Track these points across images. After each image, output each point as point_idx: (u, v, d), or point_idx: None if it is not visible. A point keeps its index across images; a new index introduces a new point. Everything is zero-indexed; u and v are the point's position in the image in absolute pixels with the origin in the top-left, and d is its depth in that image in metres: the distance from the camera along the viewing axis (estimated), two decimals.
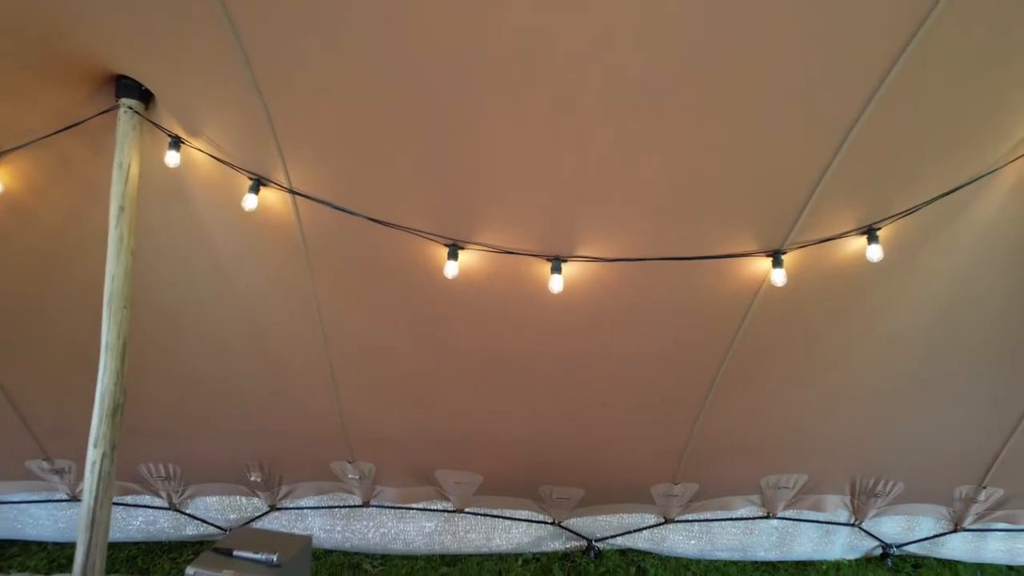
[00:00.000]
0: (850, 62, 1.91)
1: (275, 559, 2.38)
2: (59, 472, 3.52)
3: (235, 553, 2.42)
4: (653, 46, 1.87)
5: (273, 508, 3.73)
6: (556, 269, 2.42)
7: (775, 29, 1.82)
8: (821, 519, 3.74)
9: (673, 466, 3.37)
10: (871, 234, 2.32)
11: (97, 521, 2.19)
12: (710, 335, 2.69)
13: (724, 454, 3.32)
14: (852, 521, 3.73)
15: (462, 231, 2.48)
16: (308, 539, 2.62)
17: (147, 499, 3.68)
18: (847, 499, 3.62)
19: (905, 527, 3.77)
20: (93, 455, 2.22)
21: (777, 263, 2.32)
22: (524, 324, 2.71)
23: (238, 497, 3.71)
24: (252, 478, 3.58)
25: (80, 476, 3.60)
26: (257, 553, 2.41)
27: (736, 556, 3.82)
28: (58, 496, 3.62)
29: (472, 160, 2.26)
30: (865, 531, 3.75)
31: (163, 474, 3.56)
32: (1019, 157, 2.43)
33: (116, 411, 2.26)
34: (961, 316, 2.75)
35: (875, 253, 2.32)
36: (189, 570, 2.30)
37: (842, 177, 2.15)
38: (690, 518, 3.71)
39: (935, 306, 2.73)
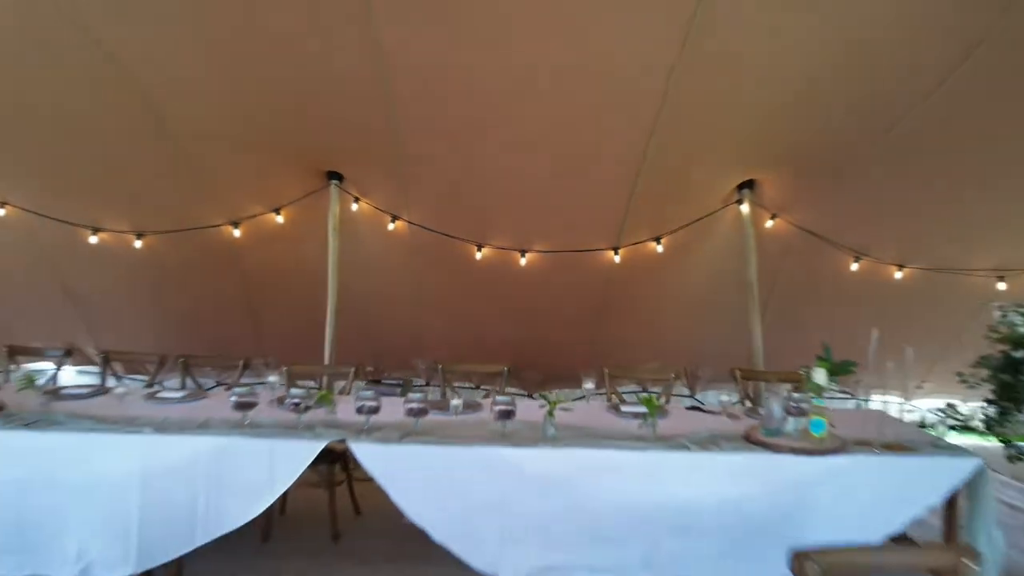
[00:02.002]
0: (623, 139, 4.50)
1: (401, 382, 5.12)
2: (267, 365, 6.25)
3: (382, 380, 5.16)
4: (546, 156, 4.61)
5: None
6: (523, 255, 5.19)
7: (590, 129, 4.54)
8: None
9: (589, 359, 6.11)
10: (657, 240, 5.08)
11: (329, 359, 4.94)
12: (592, 288, 5.45)
13: (615, 353, 6.06)
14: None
15: (482, 238, 5.23)
16: (411, 379, 5.37)
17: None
18: (684, 380, 6.34)
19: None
20: (328, 337, 4.96)
21: (616, 252, 5.08)
22: (508, 282, 5.46)
23: (359, 381, 6.46)
24: (368, 369, 6.33)
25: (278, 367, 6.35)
26: (392, 382, 5.16)
27: None
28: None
29: (486, 205, 5.00)
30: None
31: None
32: (728, 204, 5.16)
33: (335, 318, 4.99)
34: (712, 280, 5.49)
35: (659, 248, 5.07)
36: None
37: (637, 211, 4.87)
38: (603, 392, 6.45)
39: (699, 276, 5.48)
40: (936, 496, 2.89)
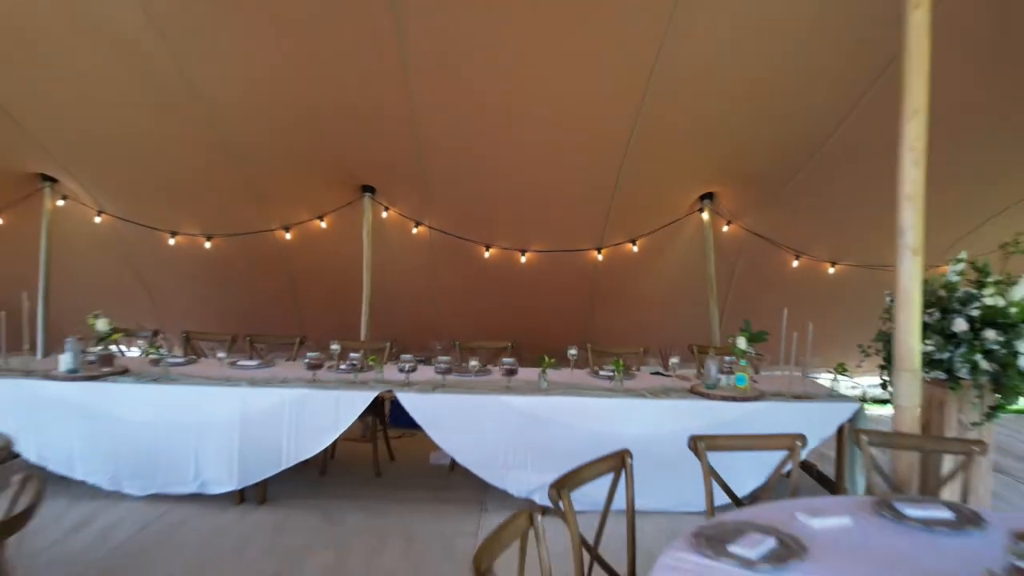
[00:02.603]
0: (603, 159, 5.41)
1: (422, 359, 5.98)
2: (307, 347, 7.14)
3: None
4: (542, 170, 5.49)
5: None
6: (523, 254, 6.07)
7: (573, 151, 5.43)
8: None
9: (579, 340, 6.99)
10: (633, 242, 5.96)
11: (365, 338, 5.81)
12: (580, 281, 6.33)
13: (601, 335, 6.93)
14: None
15: (489, 239, 6.11)
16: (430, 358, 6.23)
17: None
18: (659, 359, 7.22)
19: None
20: (363, 320, 5.84)
21: (599, 252, 5.96)
22: (511, 277, 6.34)
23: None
24: (394, 350, 7.20)
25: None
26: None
27: None
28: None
29: (493, 213, 5.88)
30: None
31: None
32: (692, 213, 6.03)
33: (369, 306, 5.87)
34: (679, 275, 6.37)
35: (635, 248, 5.95)
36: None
37: (616, 217, 5.75)
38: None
39: (674, 274, 6.36)
40: (829, 429, 3.77)
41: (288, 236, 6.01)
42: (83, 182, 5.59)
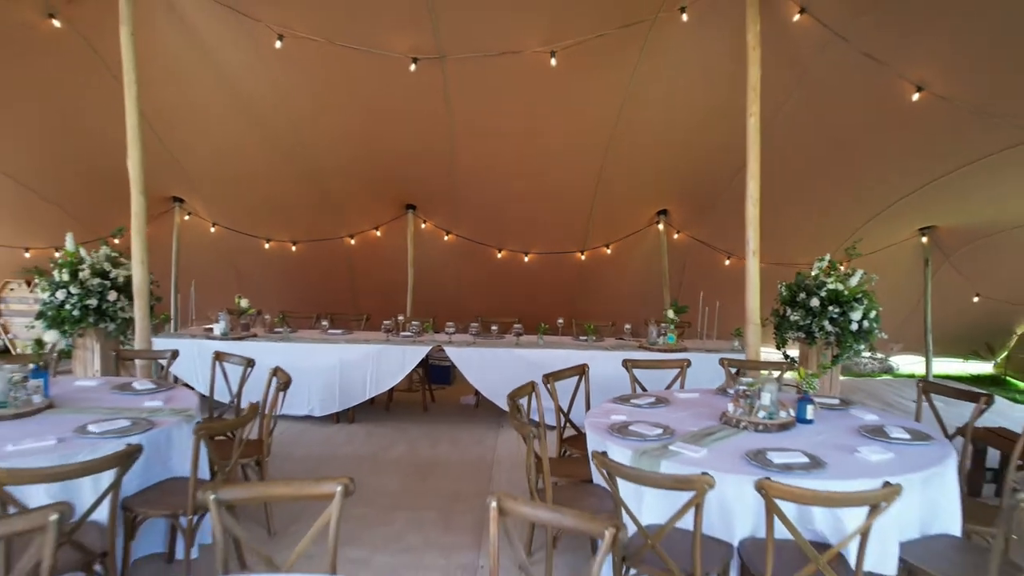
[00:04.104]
0: (583, 185, 7.00)
1: None
2: (367, 319, 8.67)
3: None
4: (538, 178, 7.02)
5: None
6: (526, 255, 7.60)
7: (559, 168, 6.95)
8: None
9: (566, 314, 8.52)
10: (608, 246, 7.48)
11: (410, 315, 7.36)
12: (569, 275, 7.84)
13: (585, 317, 8.45)
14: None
15: (501, 244, 7.62)
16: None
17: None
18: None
19: None
20: (408, 304, 7.36)
21: (582, 253, 7.49)
22: (517, 272, 7.84)
23: None
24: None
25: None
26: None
27: None
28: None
29: (504, 225, 7.40)
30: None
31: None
32: (651, 224, 7.55)
33: (412, 291, 7.40)
34: (642, 272, 7.89)
35: (609, 251, 7.47)
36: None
37: (594, 229, 7.27)
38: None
39: (638, 270, 7.88)
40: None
41: (352, 241, 7.54)
42: (207, 202, 7.13)
